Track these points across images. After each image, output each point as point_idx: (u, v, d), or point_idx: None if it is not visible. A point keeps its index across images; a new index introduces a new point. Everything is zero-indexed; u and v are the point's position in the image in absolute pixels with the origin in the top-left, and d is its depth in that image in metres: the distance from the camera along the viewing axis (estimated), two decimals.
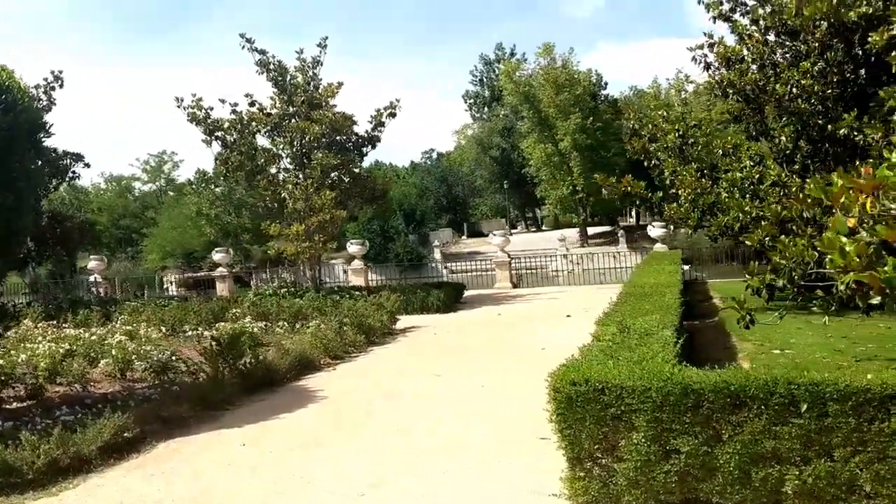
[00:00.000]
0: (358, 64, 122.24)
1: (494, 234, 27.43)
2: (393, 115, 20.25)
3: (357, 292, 19.23)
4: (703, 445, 4.86)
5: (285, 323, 15.66)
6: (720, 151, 16.48)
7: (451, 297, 19.18)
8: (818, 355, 7.79)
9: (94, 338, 12.87)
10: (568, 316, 15.51)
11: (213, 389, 9.22)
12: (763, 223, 14.17)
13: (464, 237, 74.27)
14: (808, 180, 14.47)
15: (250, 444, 7.60)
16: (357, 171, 20.08)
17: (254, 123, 19.53)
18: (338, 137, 19.89)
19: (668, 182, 16.42)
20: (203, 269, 54.95)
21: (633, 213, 74.78)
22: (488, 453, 6.73)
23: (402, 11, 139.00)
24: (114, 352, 11.27)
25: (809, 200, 7.27)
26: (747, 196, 14.71)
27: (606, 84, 63.19)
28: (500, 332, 14.09)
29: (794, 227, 11.79)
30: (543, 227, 77.96)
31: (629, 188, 15.70)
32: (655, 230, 23.50)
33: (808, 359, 7.49)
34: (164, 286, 50.01)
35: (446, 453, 6.83)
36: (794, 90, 14.31)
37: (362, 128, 20.36)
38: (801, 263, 7.35)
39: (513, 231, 77.01)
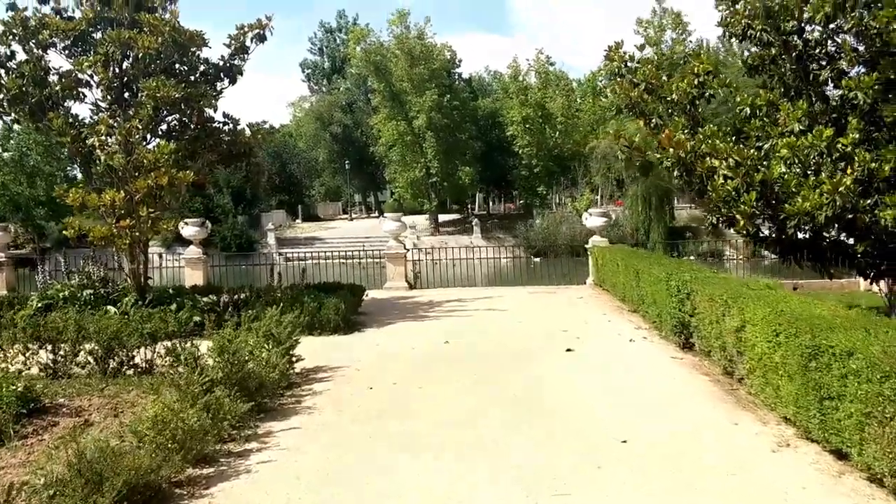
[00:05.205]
0: None
1: (386, 218, 21.46)
2: (261, 38, 13.70)
3: (206, 298, 12.72)
4: None
5: (91, 359, 8.98)
6: (746, 110, 11.59)
7: (350, 308, 13.09)
8: None
9: None
10: (569, 350, 9.90)
11: None
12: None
13: (298, 221, 67.08)
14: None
15: None
16: (211, 113, 13.32)
17: (46, 32, 12.31)
18: (177, 66, 13.17)
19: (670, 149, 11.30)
20: None
21: (483, 201, 71.04)
22: None
23: None
24: None
25: None
26: (819, 173, 9.94)
27: (461, 62, 58.43)
28: (487, 389, 7.96)
29: None
30: (385, 214, 72.83)
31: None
32: (593, 219, 18.43)
33: None
34: None
35: None
36: None
37: (216, 53, 13.68)
38: None
39: (353, 217, 70.82)
